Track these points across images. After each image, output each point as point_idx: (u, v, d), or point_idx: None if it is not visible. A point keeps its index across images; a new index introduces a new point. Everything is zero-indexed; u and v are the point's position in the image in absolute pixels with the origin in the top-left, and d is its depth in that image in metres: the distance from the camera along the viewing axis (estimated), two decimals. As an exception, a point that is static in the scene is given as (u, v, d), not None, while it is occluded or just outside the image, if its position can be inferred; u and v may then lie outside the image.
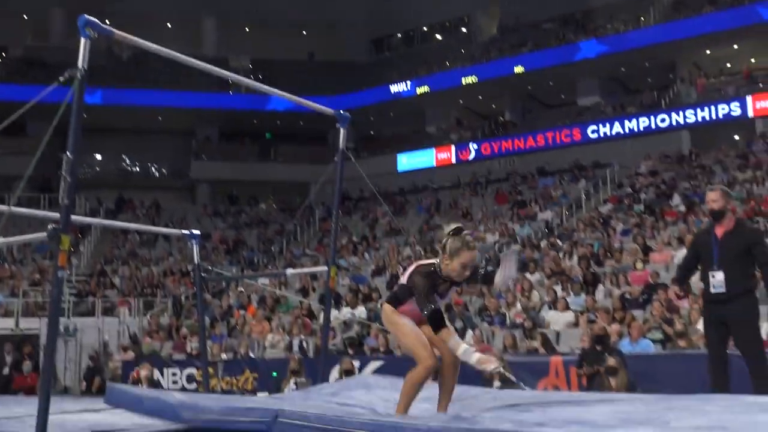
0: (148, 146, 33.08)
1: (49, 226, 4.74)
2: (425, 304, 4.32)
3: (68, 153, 4.72)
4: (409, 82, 30.73)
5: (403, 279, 4.57)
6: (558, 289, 13.78)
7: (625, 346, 10.12)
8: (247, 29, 34.19)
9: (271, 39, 33.14)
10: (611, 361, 8.61)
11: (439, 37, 34.99)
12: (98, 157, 33.64)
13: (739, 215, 16.14)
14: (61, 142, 4.70)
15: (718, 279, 6.03)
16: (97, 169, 33.56)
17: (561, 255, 16.38)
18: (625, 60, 26.91)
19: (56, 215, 4.97)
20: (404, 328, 4.57)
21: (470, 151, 29.00)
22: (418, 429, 3.46)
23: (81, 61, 4.80)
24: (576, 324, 12.34)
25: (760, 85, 24.69)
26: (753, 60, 26.68)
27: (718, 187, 6.57)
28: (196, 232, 8.45)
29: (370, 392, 5.29)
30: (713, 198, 6.21)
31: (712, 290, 6.11)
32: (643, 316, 11.72)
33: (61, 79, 5.03)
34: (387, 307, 4.68)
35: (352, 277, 17.92)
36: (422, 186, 28.80)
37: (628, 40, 26.21)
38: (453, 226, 4.52)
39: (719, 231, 6.18)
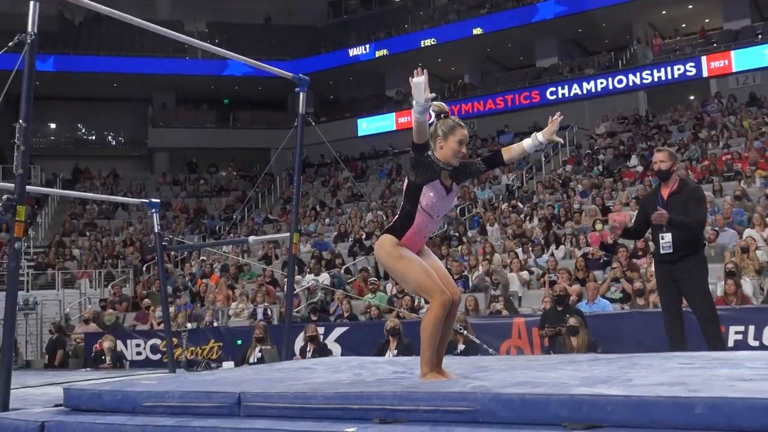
0: (104, 114, 32.53)
1: (4, 197, 4.65)
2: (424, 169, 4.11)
3: (21, 121, 4.61)
4: (368, 46, 30.47)
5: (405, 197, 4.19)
6: (519, 251, 13.92)
7: (583, 306, 10.28)
8: (202, -8, 33.59)
9: (227, 2, 32.57)
10: (572, 321, 8.73)
11: (397, -1, 34.73)
12: (53, 126, 33.01)
13: (693, 175, 16.45)
14: (14, 112, 4.60)
15: (666, 240, 6.15)
16: (52, 138, 32.96)
17: (522, 217, 16.52)
18: (582, 21, 26.96)
19: (11, 186, 4.87)
20: (407, 262, 4.06)
21: (430, 114, 28.88)
22: (383, 397, 3.47)
23: (30, 25, 4.68)
24: (530, 284, 12.59)
25: (715, 45, 24.96)
26: (707, 20, 26.94)
27: (665, 148, 6.68)
28: (156, 200, 8.35)
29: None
30: (661, 158, 6.31)
31: (662, 251, 6.22)
32: (603, 276, 11.91)
33: (11, 44, 4.90)
34: (386, 239, 4.14)
35: (314, 244, 17.88)
36: (383, 150, 28.73)
37: (585, 1, 26.22)
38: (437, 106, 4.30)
39: (665, 192, 6.30)
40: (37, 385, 6.32)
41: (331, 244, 18.15)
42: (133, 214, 24.53)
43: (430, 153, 4.21)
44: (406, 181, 4.26)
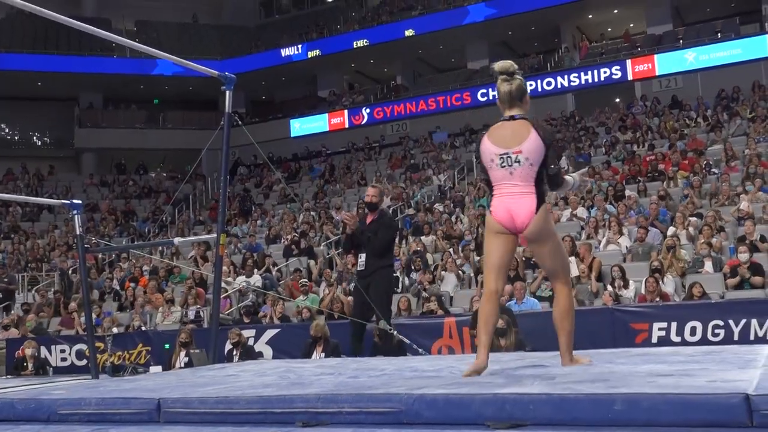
0: (29, 114, 31.58)
1: None
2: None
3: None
4: (300, 46, 30.31)
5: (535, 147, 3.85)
6: (451, 251, 14.00)
7: (512, 305, 10.37)
8: (130, -11, 32.89)
9: (155, 0, 31.98)
10: (501, 320, 8.76)
11: (329, -1, 34.67)
12: (-26, 126, 31.96)
13: (619, 176, 16.84)
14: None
15: (362, 259, 7.48)
16: (-27, 139, 31.90)
17: (453, 218, 16.63)
18: (512, 24, 27.37)
19: None
20: (559, 238, 4.17)
21: (363, 115, 28.99)
22: (307, 400, 3.42)
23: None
24: (462, 284, 12.70)
25: (639, 49, 25.62)
26: (632, 25, 27.65)
27: (377, 185, 8.14)
28: (78, 201, 8.11)
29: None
30: (372, 193, 7.62)
31: (358, 268, 7.58)
32: (533, 275, 12.06)
33: None
34: (544, 208, 3.93)
35: (246, 245, 17.67)
36: (316, 151, 28.62)
37: (515, 4, 26.61)
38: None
39: (369, 219, 7.59)
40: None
41: (263, 245, 17.97)
42: (59, 216, 23.86)
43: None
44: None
